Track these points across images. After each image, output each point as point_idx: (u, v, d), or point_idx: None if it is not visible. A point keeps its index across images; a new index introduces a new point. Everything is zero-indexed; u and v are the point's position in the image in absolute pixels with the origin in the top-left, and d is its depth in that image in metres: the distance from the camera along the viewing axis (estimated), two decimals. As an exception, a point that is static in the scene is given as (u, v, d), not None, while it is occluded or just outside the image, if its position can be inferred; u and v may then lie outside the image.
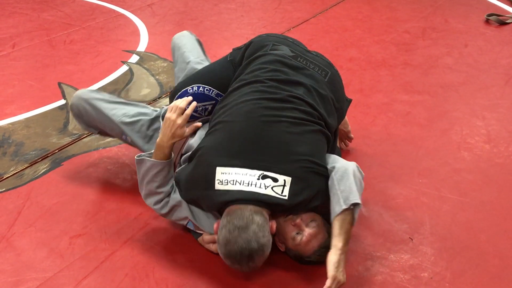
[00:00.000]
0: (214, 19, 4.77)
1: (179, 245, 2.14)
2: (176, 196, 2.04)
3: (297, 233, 1.93)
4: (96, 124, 2.44)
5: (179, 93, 2.31)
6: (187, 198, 2.03)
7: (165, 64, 3.80)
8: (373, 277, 1.99)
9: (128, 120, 2.36)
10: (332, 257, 1.79)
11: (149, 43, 4.21)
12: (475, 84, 3.52)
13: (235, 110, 2.03)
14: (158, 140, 2.02)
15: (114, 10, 5.00)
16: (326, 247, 1.87)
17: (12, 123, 3.05)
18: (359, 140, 2.85)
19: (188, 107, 2.06)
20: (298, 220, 1.92)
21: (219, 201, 1.91)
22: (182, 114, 2.03)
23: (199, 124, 2.08)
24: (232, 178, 1.88)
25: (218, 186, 1.89)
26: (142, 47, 4.14)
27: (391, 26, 4.59)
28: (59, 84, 3.51)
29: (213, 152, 1.95)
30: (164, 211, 2.05)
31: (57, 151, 2.78)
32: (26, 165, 2.65)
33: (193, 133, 2.18)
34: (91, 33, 4.44)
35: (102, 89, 3.44)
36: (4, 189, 2.49)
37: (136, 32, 4.47)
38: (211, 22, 4.71)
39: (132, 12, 4.96)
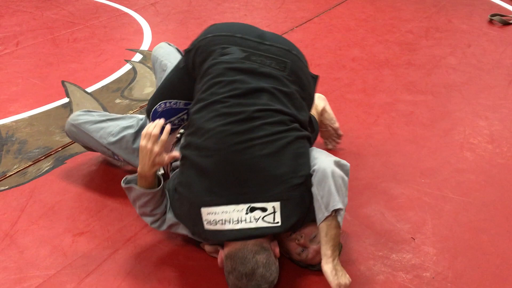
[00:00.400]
0: (217, 18, 4.77)
1: (181, 244, 2.14)
2: (171, 216, 1.99)
3: (302, 250, 1.93)
4: (91, 146, 2.48)
5: (151, 114, 2.24)
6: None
7: (168, 63, 3.81)
8: (375, 277, 1.99)
9: (113, 139, 2.37)
10: (327, 267, 1.78)
11: (153, 42, 4.22)
12: (478, 84, 3.52)
13: (203, 142, 1.88)
14: (139, 169, 1.88)
15: (117, 9, 5.01)
16: None
17: (16, 121, 3.06)
18: (362, 139, 2.85)
19: (163, 132, 1.90)
20: (302, 241, 1.91)
21: (213, 240, 1.91)
22: (158, 140, 1.87)
23: (177, 154, 1.91)
24: (220, 217, 1.80)
25: (207, 227, 1.83)
26: (145, 46, 4.15)
27: (394, 26, 4.58)
28: (63, 82, 3.52)
29: (192, 191, 1.86)
30: (163, 228, 2.01)
31: (60, 149, 2.78)
32: (30, 163, 2.66)
33: (181, 136, 2.12)
34: (94, 31, 4.45)
35: (105, 88, 3.45)
36: (7, 187, 2.49)
37: (139, 31, 4.48)
38: (214, 21, 4.66)
39: (135, 10, 4.96)
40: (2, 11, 4.94)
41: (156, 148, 1.85)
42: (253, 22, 4.64)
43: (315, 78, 2.22)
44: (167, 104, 2.19)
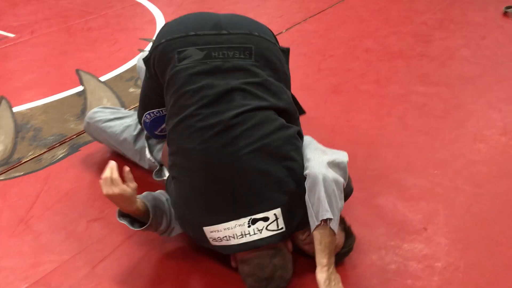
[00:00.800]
0: (230, 8, 4.77)
1: (194, 231, 2.16)
2: (178, 228, 1.95)
3: None
4: (106, 145, 2.53)
5: (143, 125, 2.26)
6: None
7: (182, 53, 3.82)
8: (386, 266, 2.00)
9: (118, 140, 2.41)
10: (320, 276, 1.73)
11: (166, 31, 4.22)
12: (492, 76, 3.49)
13: (187, 162, 1.81)
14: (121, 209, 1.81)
15: (131, -1, 5.04)
16: (347, 249, 1.95)
17: (31, 109, 3.09)
18: (374, 130, 2.85)
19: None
20: None
21: (222, 252, 1.89)
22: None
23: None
24: (223, 234, 1.77)
25: (214, 243, 1.82)
26: (158, 35, 4.16)
27: (408, 17, 4.56)
28: (77, 71, 3.55)
29: (190, 213, 1.83)
30: (175, 234, 1.99)
31: (74, 136, 2.81)
32: (44, 150, 2.69)
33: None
34: (108, 21, 4.47)
35: (119, 77, 3.47)
36: (22, 173, 2.52)
37: (152, 21, 4.49)
38: (227, 11, 4.67)
39: (149, 0, 4.97)
40: (17, 0, 4.97)
41: (116, 190, 1.71)
42: (266, 12, 4.64)
43: (286, 51, 2.09)
44: (152, 115, 2.20)
